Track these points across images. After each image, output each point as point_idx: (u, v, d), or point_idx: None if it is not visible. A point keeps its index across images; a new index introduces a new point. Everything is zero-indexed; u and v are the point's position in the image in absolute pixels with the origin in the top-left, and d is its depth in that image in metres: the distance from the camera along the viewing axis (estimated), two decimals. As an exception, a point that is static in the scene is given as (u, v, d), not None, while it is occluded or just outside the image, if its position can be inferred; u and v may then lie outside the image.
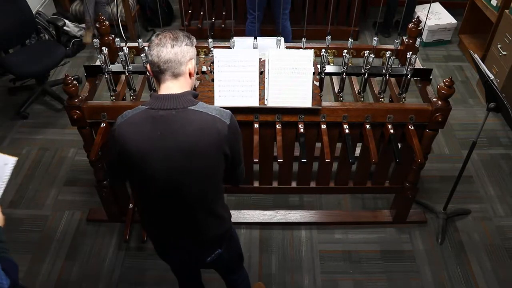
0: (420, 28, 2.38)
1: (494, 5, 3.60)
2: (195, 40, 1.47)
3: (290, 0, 3.46)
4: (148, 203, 1.55)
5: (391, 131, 2.13)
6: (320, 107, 2.09)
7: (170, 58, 1.38)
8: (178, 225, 1.55)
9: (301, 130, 2.12)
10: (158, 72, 1.41)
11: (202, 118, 1.39)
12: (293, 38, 3.65)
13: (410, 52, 2.11)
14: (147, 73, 2.14)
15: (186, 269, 1.87)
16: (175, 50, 1.38)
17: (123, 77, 2.37)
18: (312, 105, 2.07)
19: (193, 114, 1.39)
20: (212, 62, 2.03)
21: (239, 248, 1.87)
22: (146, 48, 1.40)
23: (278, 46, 2.14)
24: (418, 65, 2.32)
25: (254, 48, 2.17)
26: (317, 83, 2.08)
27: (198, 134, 1.37)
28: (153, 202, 1.51)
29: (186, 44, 1.41)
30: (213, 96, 2.03)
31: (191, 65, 1.44)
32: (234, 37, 2.14)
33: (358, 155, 2.45)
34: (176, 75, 1.41)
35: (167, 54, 1.38)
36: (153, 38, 1.42)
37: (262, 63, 2.04)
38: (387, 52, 2.20)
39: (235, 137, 1.46)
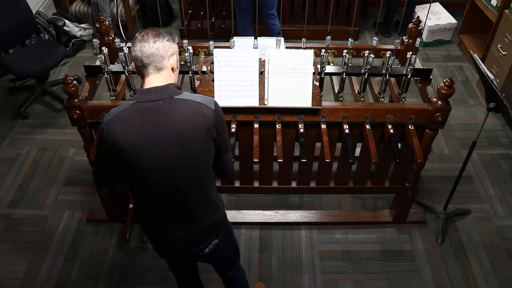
0: (420, 28, 2.38)
1: (494, 5, 3.60)
2: (176, 38, 1.54)
3: (276, 1, 3.46)
4: (143, 197, 1.55)
5: (391, 131, 2.13)
6: (320, 107, 2.09)
7: (152, 52, 1.44)
8: (174, 215, 1.57)
9: (301, 130, 2.12)
10: (141, 67, 1.46)
11: (188, 105, 1.44)
12: (293, 38, 3.65)
13: (410, 52, 2.11)
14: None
15: (183, 264, 1.88)
16: (157, 45, 1.44)
17: (123, 77, 2.37)
18: (312, 105, 2.07)
19: (179, 103, 1.44)
20: (212, 62, 2.03)
21: (235, 241, 1.89)
22: (129, 46, 1.46)
23: (278, 46, 2.14)
24: (418, 65, 2.32)
25: (254, 48, 2.17)
26: (317, 83, 2.08)
27: (187, 120, 1.42)
28: (149, 194, 1.51)
29: (167, 40, 1.47)
30: (213, 96, 2.03)
31: (173, 60, 1.49)
32: (234, 37, 2.14)
33: (358, 155, 2.45)
34: (159, 69, 1.46)
35: (150, 49, 1.43)
36: (136, 35, 1.47)
37: (262, 63, 2.04)
38: (387, 52, 2.20)
39: (221, 122, 1.50)
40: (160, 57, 1.45)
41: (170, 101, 1.43)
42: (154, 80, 1.46)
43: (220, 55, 2.00)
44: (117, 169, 1.52)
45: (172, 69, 1.50)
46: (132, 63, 1.50)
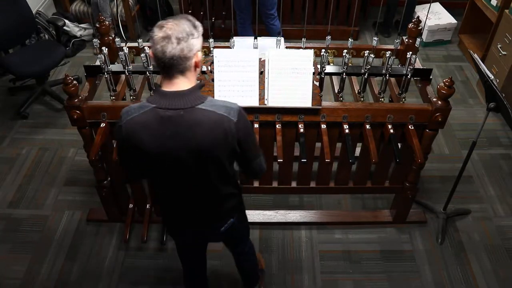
0: (420, 28, 2.38)
1: (494, 5, 3.60)
2: (201, 28, 1.39)
3: (275, 1, 3.46)
4: (161, 189, 1.60)
5: (391, 131, 2.13)
6: (320, 107, 2.09)
7: (175, 54, 1.31)
8: (195, 207, 1.62)
9: (301, 130, 2.12)
10: (163, 68, 1.36)
11: (210, 118, 1.37)
12: (293, 38, 3.65)
13: (410, 52, 2.11)
14: (147, 73, 2.14)
15: (195, 248, 1.92)
16: (181, 46, 1.31)
17: (123, 77, 2.37)
18: (312, 105, 2.07)
19: (201, 114, 1.37)
20: (212, 62, 2.03)
21: (247, 219, 1.94)
22: (151, 34, 1.33)
23: (278, 46, 2.14)
24: (418, 65, 2.32)
25: (254, 48, 2.17)
26: (317, 83, 2.08)
27: (207, 135, 1.38)
28: (167, 189, 1.57)
29: (192, 38, 1.34)
30: (213, 96, 2.03)
31: (197, 58, 1.39)
32: (234, 37, 2.14)
33: (358, 155, 2.45)
34: (182, 71, 1.37)
35: (173, 50, 1.31)
36: (155, 30, 1.32)
37: (262, 63, 2.04)
38: (387, 52, 2.20)
39: (245, 132, 1.46)
40: (184, 58, 1.33)
41: (192, 111, 1.36)
42: (176, 82, 1.38)
43: (220, 55, 2.00)
44: (134, 161, 1.52)
45: (196, 65, 1.40)
46: (151, 52, 1.38)
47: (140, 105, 1.41)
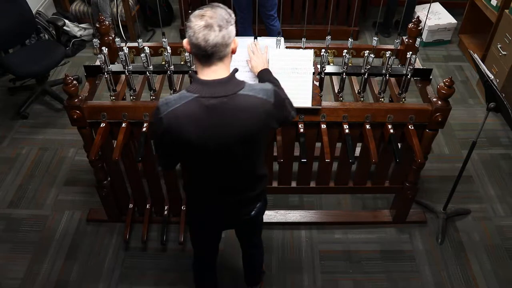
0: (420, 28, 2.38)
1: (494, 5, 3.60)
2: (233, 15, 1.43)
3: (276, 2, 3.46)
4: (199, 176, 1.62)
5: (391, 131, 2.13)
6: (320, 107, 2.09)
7: (218, 42, 1.34)
8: (232, 192, 1.66)
9: (301, 130, 2.12)
10: (203, 56, 1.38)
11: (252, 103, 1.42)
12: (293, 38, 3.65)
13: (410, 52, 2.11)
14: (147, 73, 2.14)
15: (221, 230, 1.95)
16: (222, 33, 1.34)
17: (123, 77, 2.37)
18: (312, 105, 2.07)
19: (243, 100, 1.41)
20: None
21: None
22: (189, 24, 1.36)
23: (278, 46, 2.14)
24: (418, 65, 2.32)
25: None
26: (317, 83, 2.08)
27: (250, 121, 1.43)
28: (206, 175, 1.59)
29: (230, 24, 1.38)
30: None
31: (234, 44, 1.43)
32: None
33: (358, 155, 2.45)
34: (221, 58, 1.40)
35: (215, 38, 1.34)
36: (194, 19, 1.35)
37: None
38: (387, 52, 2.20)
39: (281, 108, 1.53)
40: (225, 45, 1.37)
41: (234, 98, 1.40)
42: (216, 69, 1.41)
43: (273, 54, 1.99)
44: (175, 151, 1.53)
45: (233, 52, 1.45)
46: (185, 43, 1.40)
47: (180, 95, 1.41)
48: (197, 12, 1.37)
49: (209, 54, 1.37)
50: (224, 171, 1.57)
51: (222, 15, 1.36)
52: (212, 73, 1.41)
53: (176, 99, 1.40)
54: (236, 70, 1.46)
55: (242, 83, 1.44)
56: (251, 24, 3.63)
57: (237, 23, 3.58)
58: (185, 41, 1.41)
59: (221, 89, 1.39)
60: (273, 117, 1.50)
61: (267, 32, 3.57)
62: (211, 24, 1.33)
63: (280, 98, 1.52)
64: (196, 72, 1.45)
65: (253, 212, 1.77)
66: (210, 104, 1.38)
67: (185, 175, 1.68)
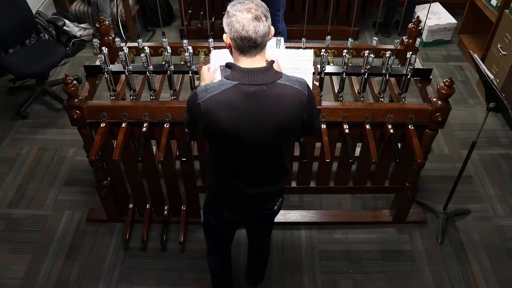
0: (420, 28, 2.38)
1: (494, 5, 3.60)
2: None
3: (284, 2, 3.45)
4: (229, 165, 1.61)
5: (391, 131, 2.13)
6: (320, 107, 2.09)
7: (266, 31, 1.39)
8: (258, 182, 1.66)
9: (301, 130, 2.12)
10: (251, 47, 1.40)
11: (289, 92, 1.45)
12: (293, 38, 3.65)
13: (410, 52, 2.11)
14: (147, 73, 2.14)
15: (232, 229, 1.97)
16: (268, 23, 1.39)
17: (123, 77, 2.37)
18: (312, 105, 2.07)
19: (282, 89, 1.44)
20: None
21: None
22: (232, 13, 1.37)
23: (278, 46, 2.14)
24: (418, 65, 2.32)
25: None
26: (317, 83, 2.08)
27: (287, 108, 1.46)
28: (236, 164, 1.59)
29: (269, 14, 1.42)
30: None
31: (271, 34, 1.45)
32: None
33: (358, 155, 2.45)
34: (263, 47, 1.43)
35: (264, 28, 1.38)
36: (239, 13, 1.36)
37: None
38: (387, 52, 2.20)
39: (312, 105, 1.56)
40: (268, 35, 1.41)
41: (273, 86, 1.43)
42: (258, 59, 1.44)
43: (216, 56, 1.98)
44: (209, 137, 1.55)
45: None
46: (227, 38, 1.42)
47: (220, 82, 1.43)
48: (238, 5, 1.38)
49: (258, 44, 1.39)
50: (254, 161, 1.57)
51: (263, 5, 1.40)
52: (253, 62, 1.43)
53: (215, 86, 1.42)
54: (273, 62, 1.49)
55: (280, 73, 1.47)
56: None
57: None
58: (225, 36, 1.42)
59: (261, 77, 1.42)
60: (305, 110, 1.52)
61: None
62: (259, 15, 1.36)
63: (312, 93, 1.56)
64: (236, 63, 1.46)
65: (275, 207, 1.79)
66: (250, 91, 1.40)
67: (212, 164, 1.68)
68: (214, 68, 1.69)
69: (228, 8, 1.40)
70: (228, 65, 1.48)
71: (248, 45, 1.39)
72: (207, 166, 1.75)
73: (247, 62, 1.44)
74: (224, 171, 1.65)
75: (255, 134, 1.47)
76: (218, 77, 1.65)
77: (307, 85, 1.53)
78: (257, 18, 1.36)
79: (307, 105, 1.51)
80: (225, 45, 1.46)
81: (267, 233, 2.06)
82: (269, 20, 1.40)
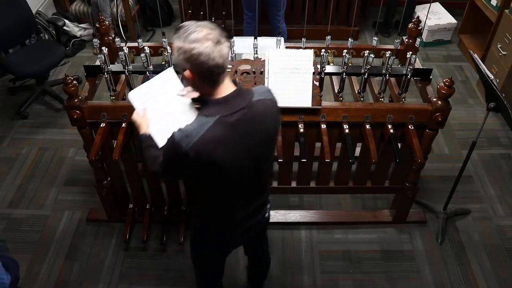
0: (420, 28, 2.38)
1: (494, 5, 3.60)
2: None
3: (285, 1, 3.45)
4: (230, 193, 1.54)
5: (391, 131, 2.13)
6: (320, 107, 2.09)
7: (227, 52, 1.31)
8: (253, 199, 1.63)
9: (301, 130, 2.12)
10: (219, 74, 1.32)
11: (267, 105, 1.45)
12: (293, 38, 3.64)
13: (410, 52, 2.11)
14: (147, 73, 2.13)
15: (227, 253, 1.87)
16: (228, 45, 1.32)
17: (123, 77, 2.37)
18: (312, 105, 2.07)
19: (261, 105, 1.42)
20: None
21: None
22: (189, 47, 1.25)
23: (278, 46, 2.14)
24: (418, 65, 2.32)
25: (254, 48, 2.16)
26: (317, 83, 2.08)
27: (271, 122, 1.47)
28: (238, 190, 1.54)
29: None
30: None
31: None
32: (234, 37, 2.13)
33: (358, 155, 2.45)
34: (225, 71, 1.35)
35: (226, 49, 1.30)
36: (196, 44, 1.24)
37: (262, 63, 2.04)
38: (387, 52, 2.20)
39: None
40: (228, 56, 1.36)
41: (252, 106, 1.38)
42: (226, 84, 1.37)
43: (134, 97, 1.93)
44: (200, 178, 1.48)
45: None
46: (189, 74, 1.32)
47: (199, 123, 1.33)
48: (192, 36, 1.25)
49: (224, 69, 1.32)
50: (251, 181, 1.53)
51: (212, 24, 1.30)
52: (224, 89, 1.36)
53: (196, 128, 1.31)
54: (235, 80, 1.44)
55: (249, 90, 1.43)
56: (258, 24, 3.63)
57: (243, 23, 3.60)
58: (187, 73, 1.32)
59: (238, 102, 1.36)
60: (279, 113, 1.53)
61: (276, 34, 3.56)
62: (217, 38, 1.27)
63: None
64: (206, 96, 1.39)
65: (266, 214, 1.78)
66: (234, 120, 1.34)
67: (207, 199, 1.60)
68: (142, 110, 1.55)
69: (179, 44, 1.27)
70: (203, 100, 1.39)
71: (217, 72, 1.31)
72: (196, 202, 1.70)
73: (220, 91, 1.36)
74: (221, 200, 1.58)
75: (253, 158, 1.45)
76: (153, 115, 1.53)
77: (270, 90, 1.52)
78: (218, 42, 1.27)
79: (279, 109, 1.53)
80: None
81: (264, 240, 2.07)
82: (228, 42, 1.33)
